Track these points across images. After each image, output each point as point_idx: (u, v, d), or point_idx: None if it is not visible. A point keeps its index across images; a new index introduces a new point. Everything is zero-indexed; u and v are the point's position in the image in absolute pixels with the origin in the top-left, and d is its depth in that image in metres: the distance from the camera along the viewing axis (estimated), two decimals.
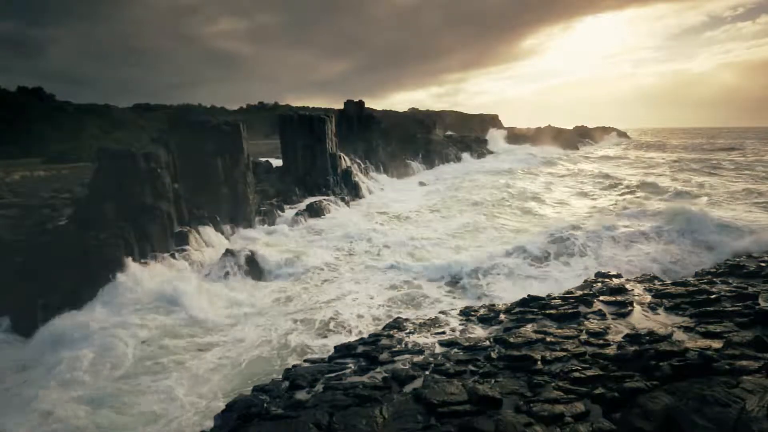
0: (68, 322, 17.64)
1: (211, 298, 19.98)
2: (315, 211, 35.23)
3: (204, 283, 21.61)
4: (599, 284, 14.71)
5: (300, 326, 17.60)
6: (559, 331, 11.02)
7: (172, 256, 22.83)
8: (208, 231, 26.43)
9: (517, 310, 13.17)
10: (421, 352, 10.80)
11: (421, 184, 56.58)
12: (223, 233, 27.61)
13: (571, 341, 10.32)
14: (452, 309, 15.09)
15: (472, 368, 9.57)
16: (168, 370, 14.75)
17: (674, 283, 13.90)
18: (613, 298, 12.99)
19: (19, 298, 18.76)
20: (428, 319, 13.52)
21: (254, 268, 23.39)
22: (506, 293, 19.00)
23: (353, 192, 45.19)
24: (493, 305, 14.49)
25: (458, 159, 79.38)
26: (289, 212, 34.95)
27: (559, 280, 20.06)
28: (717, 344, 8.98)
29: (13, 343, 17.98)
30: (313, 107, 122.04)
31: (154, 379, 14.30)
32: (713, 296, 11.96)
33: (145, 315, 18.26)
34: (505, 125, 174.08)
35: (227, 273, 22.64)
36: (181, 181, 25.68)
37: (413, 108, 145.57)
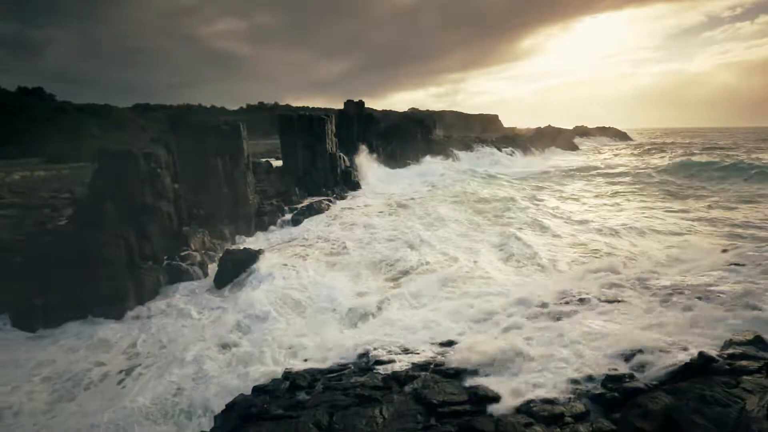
0: None
1: None
2: (315, 212, 35.15)
3: None
4: None
5: None
6: None
7: (171, 257, 22.69)
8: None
9: None
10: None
11: None
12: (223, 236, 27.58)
13: None
14: None
15: None
16: None
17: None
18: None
19: (19, 298, 18.72)
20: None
21: None
22: None
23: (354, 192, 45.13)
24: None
25: None
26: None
27: None
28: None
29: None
30: (313, 107, 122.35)
31: None
32: None
33: None
34: (506, 125, 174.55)
35: None
36: (181, 181, 25.65)
37: (413, 108, 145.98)
